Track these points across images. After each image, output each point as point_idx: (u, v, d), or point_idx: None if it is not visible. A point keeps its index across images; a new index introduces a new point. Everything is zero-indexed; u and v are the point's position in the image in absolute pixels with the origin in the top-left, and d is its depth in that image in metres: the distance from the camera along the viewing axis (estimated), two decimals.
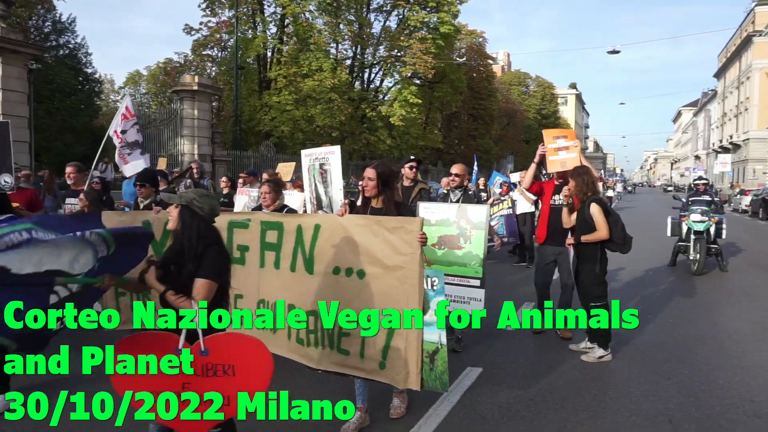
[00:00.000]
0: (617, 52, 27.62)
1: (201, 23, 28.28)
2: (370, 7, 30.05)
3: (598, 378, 4.54)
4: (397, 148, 30.05)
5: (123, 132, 6.28)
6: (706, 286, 8.69)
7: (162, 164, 11.55)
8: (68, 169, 5.83)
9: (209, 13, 27.78)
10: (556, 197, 5.56)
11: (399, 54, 28.10)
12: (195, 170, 8.27)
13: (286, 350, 3.76)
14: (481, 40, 41.00)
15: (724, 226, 10.04)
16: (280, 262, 3.81)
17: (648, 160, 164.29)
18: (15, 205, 4.67)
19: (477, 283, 4.86)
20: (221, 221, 4.06)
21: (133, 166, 6.44)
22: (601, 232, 4.85)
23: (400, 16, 30.25)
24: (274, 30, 27.88)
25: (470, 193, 5.49)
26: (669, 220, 10.66)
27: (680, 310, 7.01)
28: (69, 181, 5.84)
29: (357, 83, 32.05)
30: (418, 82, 32.13)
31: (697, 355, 5.16)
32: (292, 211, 4.75)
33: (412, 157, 6.12)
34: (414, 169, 5.95)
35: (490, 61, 44.16)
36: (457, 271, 4.91)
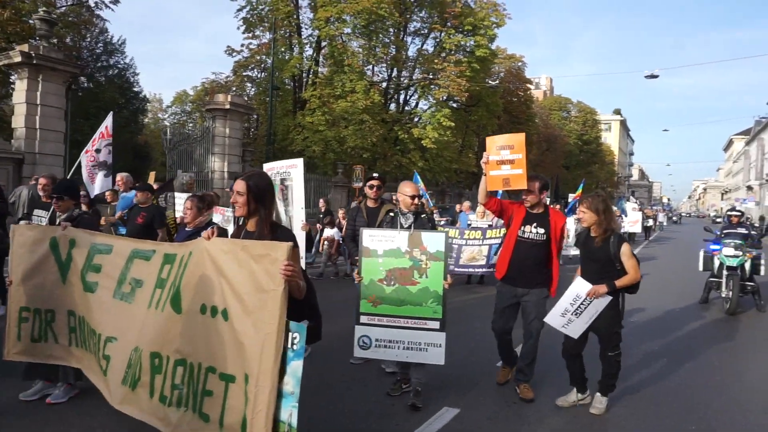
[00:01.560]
0: (655, 76, 26.70)
1: (242, 45, 29.06)
2: (407, 31, 30.24)
3: (588, 427, 4.10)
4: (430, 170, 29.86)
5: (97, 151, 6.31)
6: (738, 327, 8.02)
7: (151, 178, 11.71)
8: (42, 181, 5.76)
9: (251, 35, 28.53)
10: (527, 228, 4.54)
11: (432, 77, 28.03)
12: (190, 184, 8.27)
13: (146, 412, 3.10)
14: (520, 64, 40.67)
15: (762, 261, 9.30)
16: (160, 301, 3.16)
17: (697, 189, 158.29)
18: None
19: (436, 325, 4.17)
20: (125, 249, 3.60)
21: (100, 185, 6.48)
22: (635, 275, 4.16)
23: (437, 39, 30.29)
24: (310, 52, 28.33)
25: (423, 217, 4.65)
26: (701, 254, 9.99)
27: (704, 353, 6.43)
28: (41, 193, 5.78)
29: (392, 105, 32.16)
30: (454, 105, 31.97)
31: (709, 407, 4.63)
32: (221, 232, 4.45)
33: (375, 174, 5.51)
34: (376, 189, 5.26)
35: (530, 86, 43.66)
36: (412, 312, 4.19)
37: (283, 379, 2.54)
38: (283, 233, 2.90)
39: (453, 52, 28.71)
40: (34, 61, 13.48)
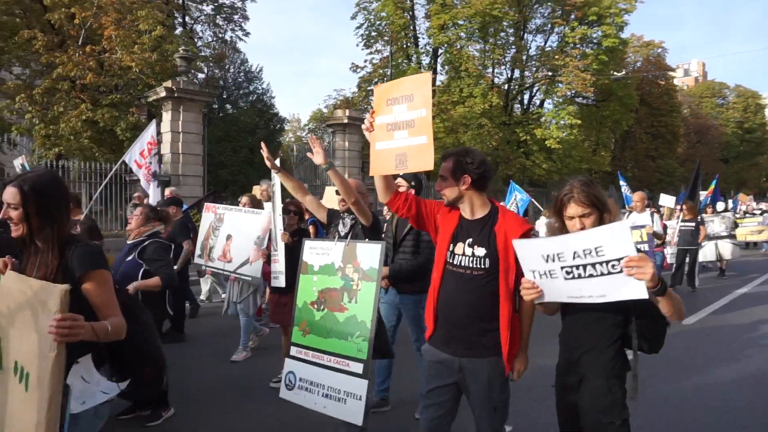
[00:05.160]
0: None
1: (365, 60, 30.34)
2: (527, 29, 29.25)
3: None
4: (558, 172, 28.44)
5: (150, 163, 6.93)
6: None
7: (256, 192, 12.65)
8: None
9: (374, 51, 29.67)
10: (459, 248, 2.60)
11: (553, 74, 26.74)
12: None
13: None
14: (659, 51, 37.21)
15: None
16: None
17: None
18: None
19: (358, 368, 2.98)
20: None
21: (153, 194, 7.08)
22: (676, 308, 2.16)
23: (561, 35, 28.91)
24: (427, 60, 28.62)
25: (361, 223, 3.50)
26: None
27: None
28: None
29: (517, 106, 31.26)
30: (583, 101, 30.20)
31: None
32: (159, 244, 4.10)
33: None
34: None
35: (672, 74, 39.67)
36: (336, 347, 3.11)
37: None
38: (77, 255, 2.04)
39: (577, 45, 27.18)
40: (176, 95, 15.36)
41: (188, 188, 15.96)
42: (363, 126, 2.81)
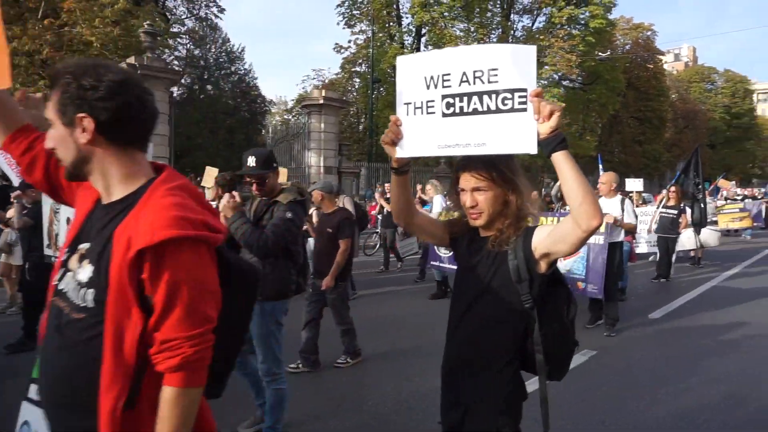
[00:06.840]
0: None
1: (349, 41, 29.57)
2: (515, 9, 28.59)
3: None
4: (541, 157, 27.97)
5: None
6: None
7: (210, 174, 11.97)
8: None
9: (358, 31, 28.89)
10: (72, 262, 1.36)
11: (538, 55, 26.20)
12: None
13: None
14: (648, 33, 36.70)
15: None
16: None
17: None
18: None
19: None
20: None
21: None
22: (581, 189, 1.58)
23: (548, 15, 28.28)
24: (410, 40, 27.92)
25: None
26: None
27: None
28: None
29: None
30: (569, 84, 29.67)
31: None
32: None
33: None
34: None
35: (661, 57, 39.21)
36: None
37: None
38: None
39: (564, 26, 26.58)
40: (139, 71, 14.62)
41: None
42: None
